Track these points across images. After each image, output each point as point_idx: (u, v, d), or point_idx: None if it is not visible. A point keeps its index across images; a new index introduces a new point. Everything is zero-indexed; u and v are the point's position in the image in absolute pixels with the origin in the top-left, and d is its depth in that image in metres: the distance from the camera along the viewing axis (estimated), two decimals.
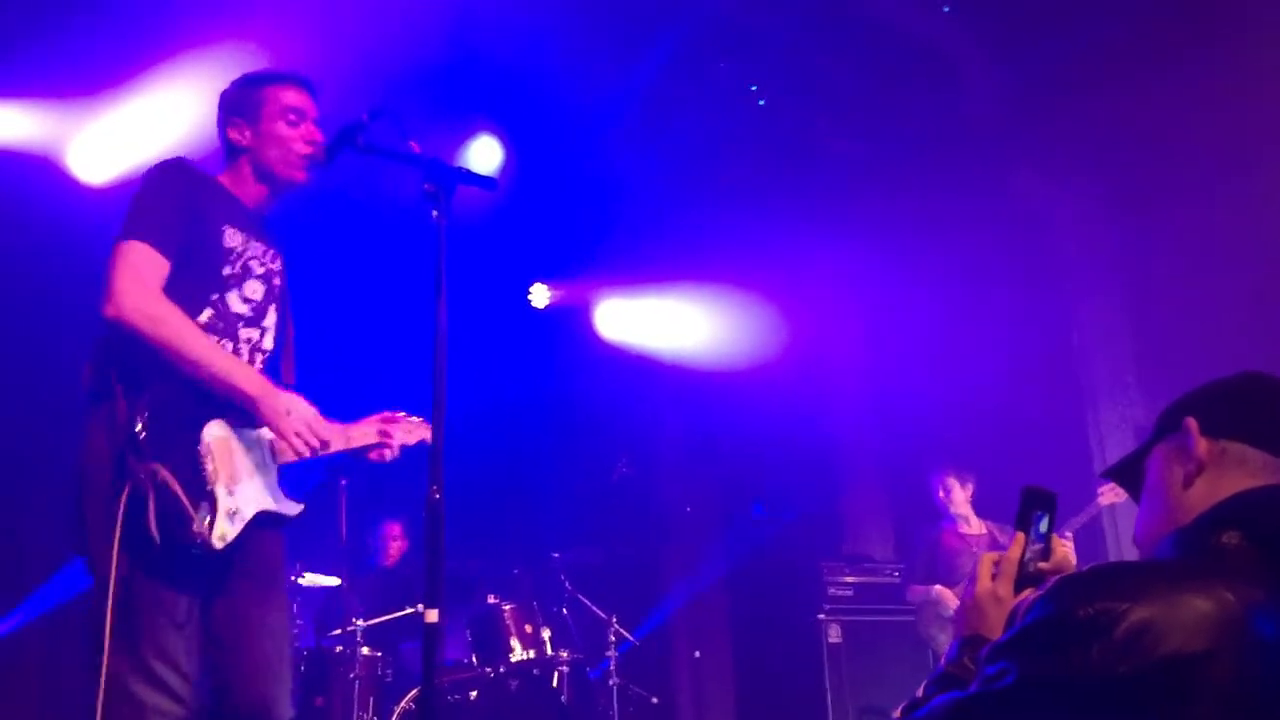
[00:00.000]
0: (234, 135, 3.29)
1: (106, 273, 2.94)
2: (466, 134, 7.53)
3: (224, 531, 2.89)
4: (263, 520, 3.06)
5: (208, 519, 2.86)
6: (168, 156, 3.22)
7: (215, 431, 2.97)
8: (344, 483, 6.09)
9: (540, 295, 8.67)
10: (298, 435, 3.02)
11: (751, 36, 7.09)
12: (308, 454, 3.07)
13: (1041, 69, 7.16)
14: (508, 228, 7.59)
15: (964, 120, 7.59)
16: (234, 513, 2.93)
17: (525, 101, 7.33)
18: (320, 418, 3.12)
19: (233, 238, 3.17)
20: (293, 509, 3.20)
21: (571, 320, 8.83)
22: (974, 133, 7.64)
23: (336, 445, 3.31)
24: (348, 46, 6.09)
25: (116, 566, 2.78)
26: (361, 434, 3.44)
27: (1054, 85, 7.22)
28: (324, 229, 6.57)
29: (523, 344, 8.42)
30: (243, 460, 3.04)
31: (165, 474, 2.78)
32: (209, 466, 2.91)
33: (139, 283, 2.93)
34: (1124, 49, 6.81)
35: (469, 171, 2.95)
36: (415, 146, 2.90)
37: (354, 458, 3.45)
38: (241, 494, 2.98)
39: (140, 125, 6.29)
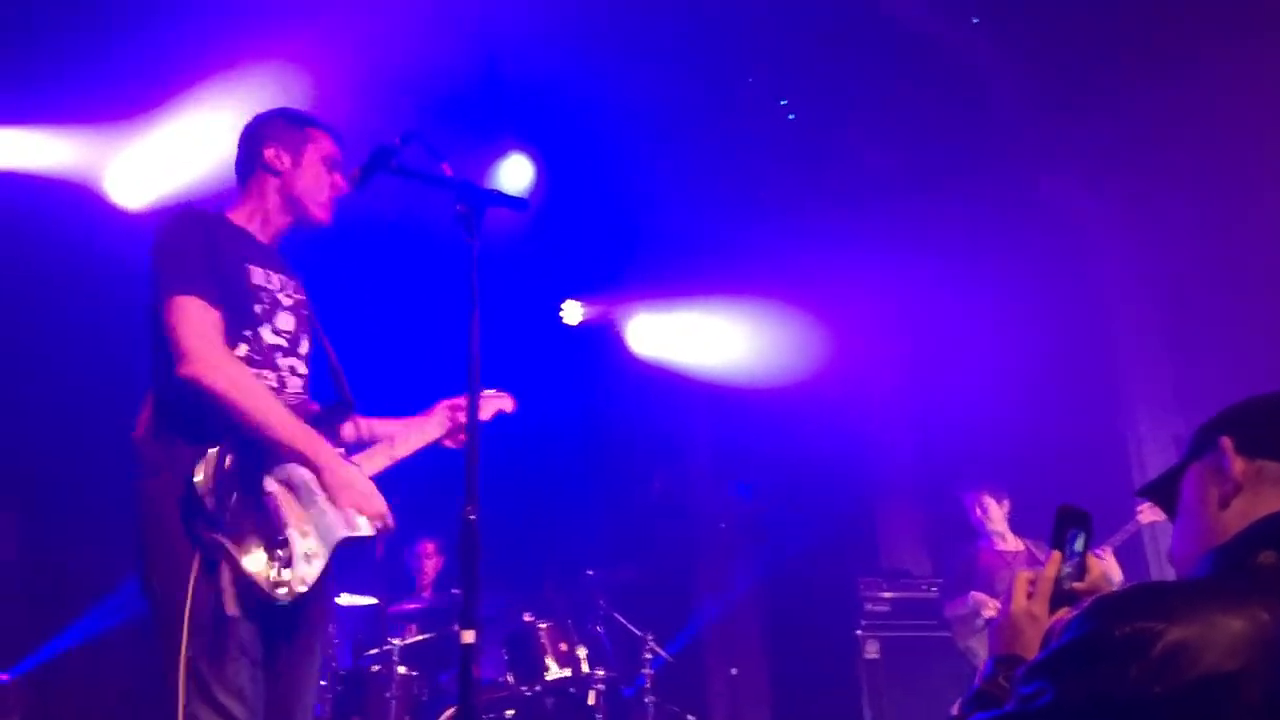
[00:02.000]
0: (270, 156, 3.32)
1: (169, 333, 2.97)
2: (497, 153, 7.56)
3: (304, 574, 2.92)
4: (338, 548, 3.11)
5: (287, 569, 2.89)
6: (176, 207, 3.27)
7: (280, 477, 3.00)
8: None
9: (573, 312, 8.68)
10: (356, 508, 3.07)
11: (780, 49, 7.09)
12: (369, 531, 3.11)
13: (1071, 75, 7.13)
14: (539, 245, 7.61)
15: (995, 129, 7.55)
16: (311, 555, 2.96)
17: (555, 119, 7.36)
18: (375, 491, 3.17)
19: (257, 275, 3.20)
20: (369, 528, 3.21)
21: (604, 337, 8.84)
22: (1005, 141, 7.61)
23: (410, 447, 3.44)
24: (378, 69, 6.15)
25: (187, 643, 2.81)
26: (435, 425, 3.54)
27: (1086, 91, 7.18)
28: (358, 251, 6.62)
29: (556, 361, 8.43)
30: (309, 498, 3.05)
31: (230, 546, 2.81)
32: (280, 516, 2.94)
33: (207, 340, 2.97)
34: (1155, 52, 6.76)
35: (500, 193, 3.00)
36: (447, 169, 2.92)
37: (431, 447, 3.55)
38: (315, 534, 3.01)
39: (177, 150, 6.35)
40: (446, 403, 3.57)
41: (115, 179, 6.51)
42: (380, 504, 3.15)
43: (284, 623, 3.06)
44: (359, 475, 3.15)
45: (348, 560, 5.98)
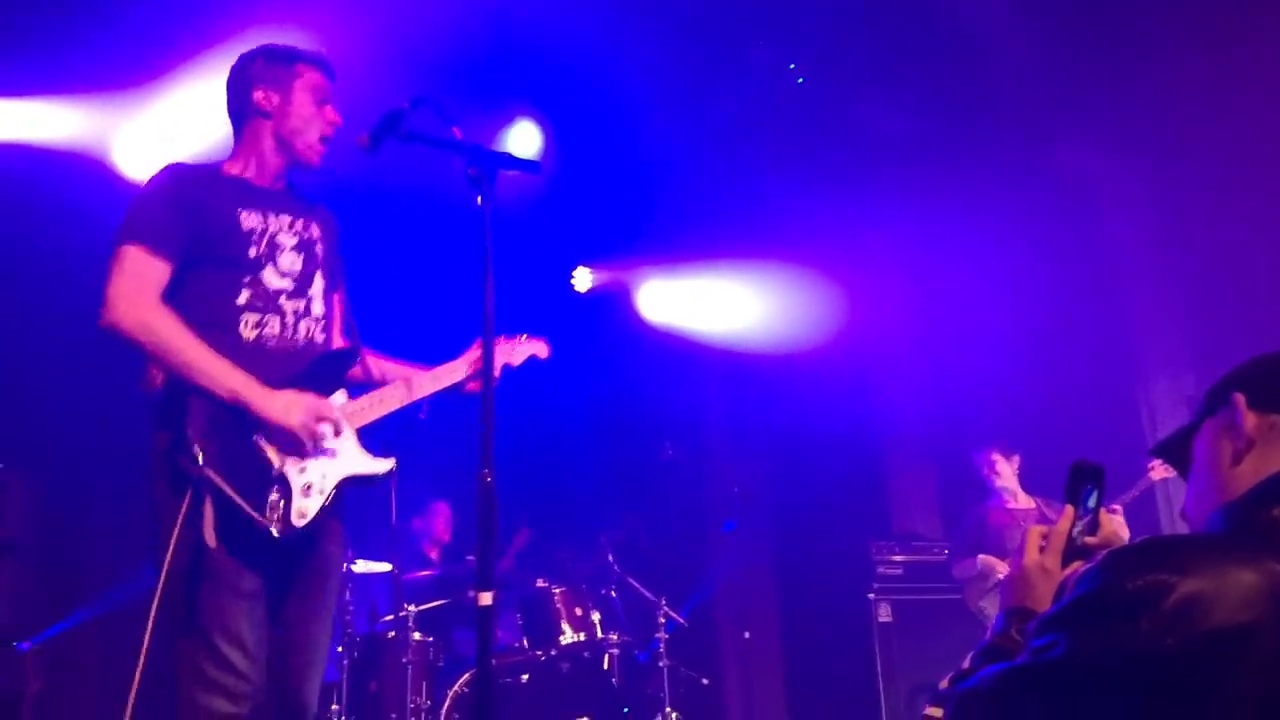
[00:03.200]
0: (259, 98, 3.30)
1: (103, 281, 3.00)
2: (505, 119, 7.54)
3: (303, 508, 2.98)
4: (349, 485, 3.13)
5: (283, 502, 2.93)
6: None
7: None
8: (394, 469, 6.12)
9: (583, 278, 8.67)
10: (305, 428, 3.01)
11: (789, 14, 7.05)
12: (312, 446, 3.04)
13: (1084, 39, 7.08)
14: (549, 211, 7.60)
15: (1007, 94, 7.51)
16: (309, 487, 3.00)
17: (564, 84, 7.33)
18: (325, 403, 3.11)
19: (249, 219, 3.19)
20: (382, 466, 3.25)
21: (615, 303, 8.83)
22: (1020, 105, 7.56)
23: (429, 388, 3.43)
24: (386, 34, 6.12)
25: (170, 565, 2.85)
26: (450, 371, 3.52)
27: (1097, 56, 7.13)
28: (367, 216, 6.61)
29: (567, 328, 8.42)
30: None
31: (216, 478, 2.84)
32: (268, 454, 2.96)
33: (133, 289, 2.98)
34: (1168, 17, 6.71)
35: (512, 156, 2.98)
36: (457, 133, 2.92)
37: (422, 404, 3.52)
38: (315, 468, 3.04)
39: (185, 119, 6.33)
40: (479, 345, 3.58)
41: (123, 149, 6.50)
42: (330, 413, 3.09)
43: (284, 566, 3.07)
44: (295, 396, 3.05)
45: (362, 526, 6.05)
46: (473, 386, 3.53)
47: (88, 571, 6.63)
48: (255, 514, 2.88)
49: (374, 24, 6.03)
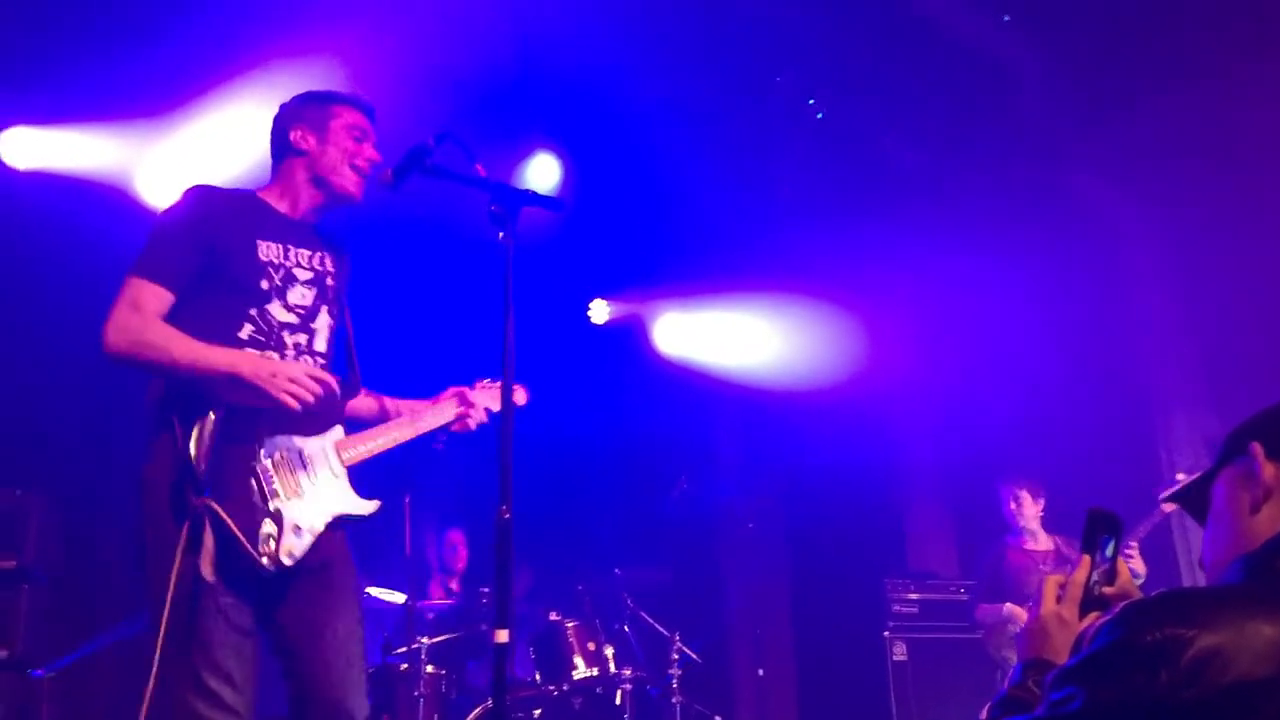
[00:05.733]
0: (296, 138, 3.36)
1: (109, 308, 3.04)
2: (524, 151, 7.58)
3: (291, 547, 2.99)
4: (332, 524, 3.14)
5: (273, 539, 2.94)
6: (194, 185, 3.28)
7: (276, 448, 3.05)
8: (408, 499, 6.13)
9: (600, 311, 8.69)
10: (290, 388, 2.99)
11: (807, 48, 7.08)
12: (310, 399, 3.02)
13: (1101, 73, 7.09)
14: (566, 244, 7.62)
15: (1026, 127, 7.51)
16: (299, 527, 3.01)
17: (583, 117, 7.37)
18: (313, 368, 3.14)
19: (268, 250, 3.22)
20: (369, 507, 3.26)
21: (632, 336, 8.84)
22: (1037, 139, 7.57)
23: (429, 425, 3.48)
24: (408, 66, 6.17)
25: (173, 596, 2.84)
26: (438, 411, 3.56)
27: (1115, 90, 7.14)
28: (390, 249, 6.65)
29: (583, 361, 8.44)
30: (309, 473, 3.11)
31: (219, 509, 2.86)
32: (271, 486, 2.99)
33: (133, 318, 3.01)
34: (1184, 52, 6.72)
35: (536, 194, 3.01)
36: (481, 169, 2.95)
37: (439, 434, 3.57)
38: (308, 507, 3.06)
39: (209, 150, 6.38)
40: (455, 390, 3.61)
41: (148, 179, 6.54)
42: (319, 373, 3.10)
43: (280, 598, 3.08)
44: (281, 362, 3.09)
45: (376, 557, 6.05)
46: (455, 428, 3.59)
47: (104, 599, 6.63)
48: (251, 548, 2.88)
49: (396, 55, 6.08)
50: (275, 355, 3.16)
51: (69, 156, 6.39)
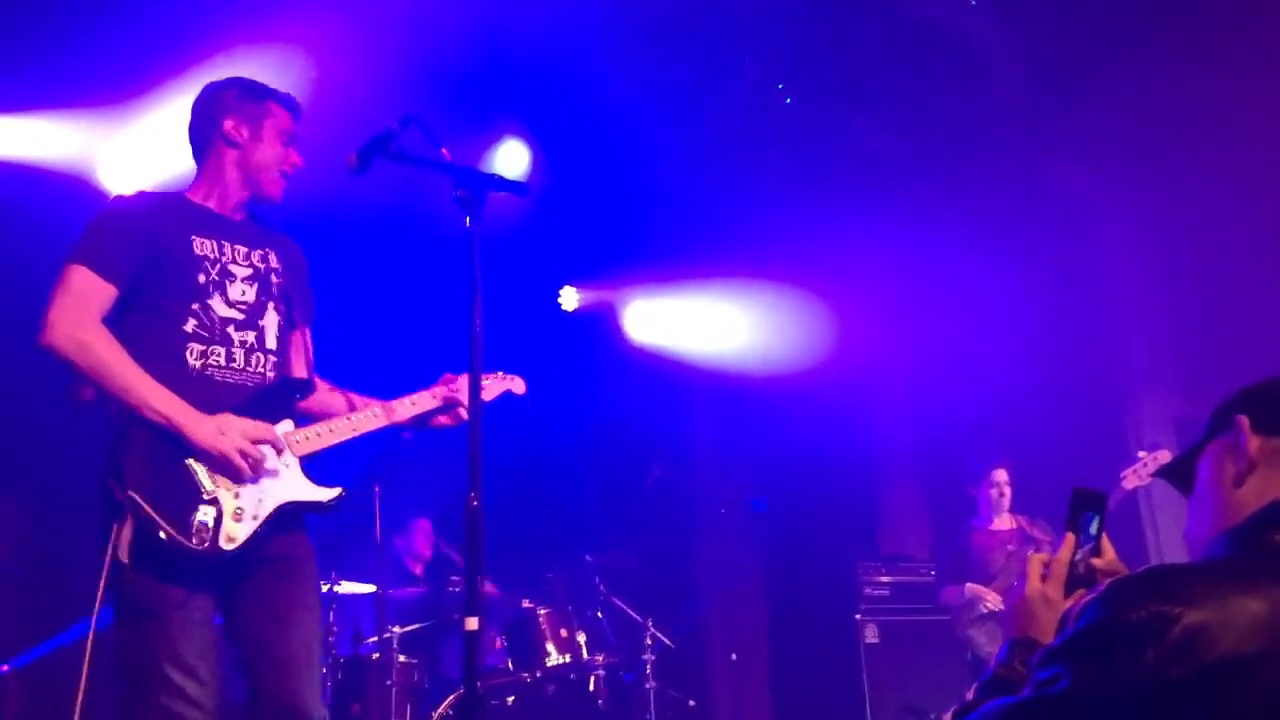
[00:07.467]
0: (229, 128, 3.33)
1: (46, 299, 3.01)
2: (492, 138, 7.53)
3: (232, 532, 2.97)
4: (290, 512, 3.12)
5: (210, 525, 2.92)
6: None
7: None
8: (378, 490, 6.09)
9: (570, 298, 8.66)
10: (238, 453, 2.99)
11: (776, 33, 7.06)
12: (249, 472, 3.02)
13: (1070, 55, 7.10)
14: (535, 230, 7.58)
15: (994, 110, 7.52)
16: (241, 512, 2.99)
17: (551, 103, 7.33)
18: (260, 426, 3.09)
19: (203, 246, 3.21)
20: (326, 495, 3.22)
21: (602, 322, 8.81)
22: (1007, 123, 7.58)
23: (404, 415, 3.43)
24: (374, 52, 6.11)
25: (103, 588, 2.90)
26: (420, 401, 3.51)
27: (1083, 71, 7.16)
28: (355, 237, 6.58)
29: (553, 348, 8.41)
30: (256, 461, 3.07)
31: (139, 498, 2.85)
32: (199, 477, 2.96)
33: (73, 310, 2.99)
34: (1155, 33, 6.74)
35: (502, 178, 2.98)
36: (446, 154, 2.90)
37: (419, 427, 3.53)
38: (250, 494, 3.03)
39: (173, 136, 6.29)
40: (448, 377, 3.57)
41: (109, 166, 6.45)
42: (265, 434, 3.08)
43: (239, 588, 3.09)
44: (229, 419, 3.04)
45: (346, 548, 5.99)
46: (439, 421, 3.55)
47: (70, 596, 6.55)
48: (174, 531, 2.86)
49: (360, 42, 6.03)
50: (222, 350, 3.14)
51: (27, 144, 6.29)
